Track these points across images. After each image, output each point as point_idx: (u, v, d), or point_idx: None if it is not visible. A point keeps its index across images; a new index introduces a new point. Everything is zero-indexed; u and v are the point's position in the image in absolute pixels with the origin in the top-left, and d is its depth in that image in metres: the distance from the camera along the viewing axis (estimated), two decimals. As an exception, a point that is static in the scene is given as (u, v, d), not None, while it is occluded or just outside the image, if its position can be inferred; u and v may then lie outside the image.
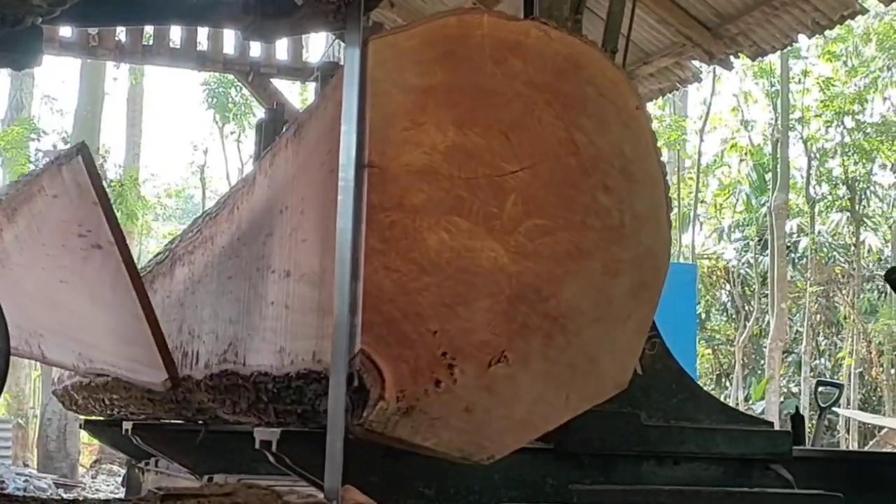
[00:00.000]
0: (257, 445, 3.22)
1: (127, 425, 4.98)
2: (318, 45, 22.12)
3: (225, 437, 4.80)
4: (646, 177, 2.71)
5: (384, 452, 3.11)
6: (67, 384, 6.26)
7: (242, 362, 3.24)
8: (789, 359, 24.62)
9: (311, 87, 9.72)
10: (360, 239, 2.50)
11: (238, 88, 22.82)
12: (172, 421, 5.12)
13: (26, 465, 19.15)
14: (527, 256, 2.58)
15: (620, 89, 2.71)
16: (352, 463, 3.14)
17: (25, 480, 15.34)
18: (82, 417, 6.77)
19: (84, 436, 20.76)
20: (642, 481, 3.30)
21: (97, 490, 17.69)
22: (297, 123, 3.02)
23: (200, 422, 4.66)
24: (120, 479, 15.31)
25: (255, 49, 10.90)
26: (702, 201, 27.26)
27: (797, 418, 3.76)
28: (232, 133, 25.01)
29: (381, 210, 2.50)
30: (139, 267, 4.03)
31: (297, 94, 21.76)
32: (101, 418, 6.14)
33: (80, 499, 3.31)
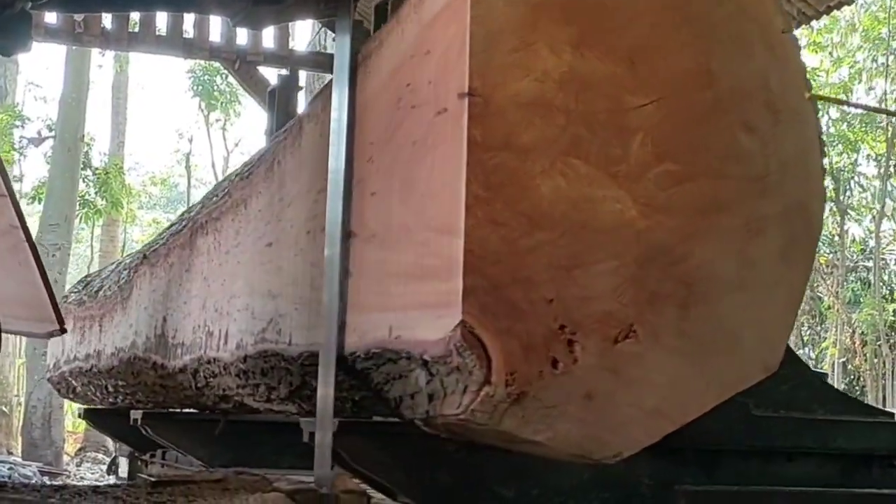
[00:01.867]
0: (305, 438, 2.68)
1: (136, 414, 4.42)
2: (304, 33, 21.52)
3: (245, 427, 4.26)
4: (794, 115, 2.19)
5: (456, 446, 2.59)
6: (64, 370, 5.71)
7: (287, 341, 2.71)
8: (773, 348, 24.14)
9: (298, 74, 9.16)
10: (458, 190, 1.97)
11: (224, 76, 22.16)
12: (184, 410, 4.59)
13: (10, 453, 18.60)
14: (657, 209, 2.06)
15: (765, 6, 2.19)
16: (416, 458, 2.63)
17: (10, 468, 14.83)
18: (66, 406, 6.23)
19: (69, 424, 20.18)
20: (750, 481, 2.79)
21: (82, 478, 17.17)
22: (363, 55, 2.48)
23: (219, 411, 4.11)
24: (105, 468, 14.96)
25: (242, 37, 10.37)
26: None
27: (908, 407, 3.25)
28: (217, 121, 24.34)
29: (484, 149, 1.97)
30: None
31: (284, 82, 21.03)
32: (101, 407, 5.59)
33: (69, 485, 2.98)
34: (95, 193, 19.35)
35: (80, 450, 19.95)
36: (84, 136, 18.82)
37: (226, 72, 18.30)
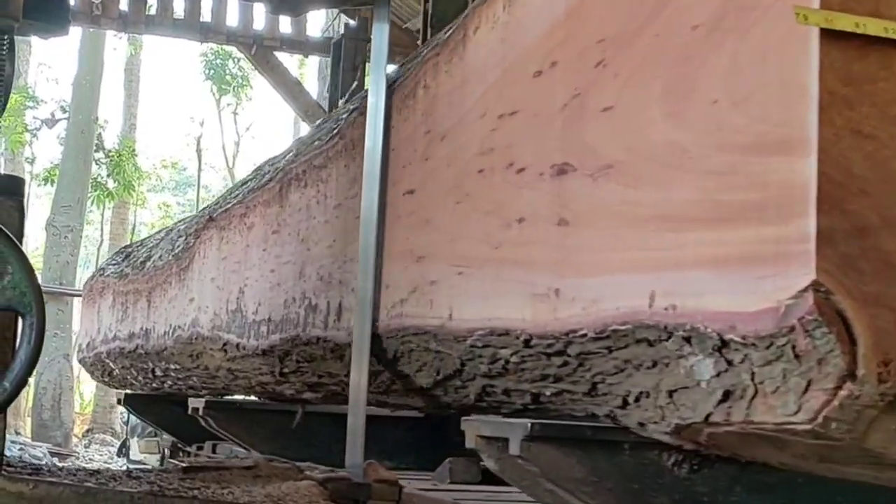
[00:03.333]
0: (469, 444, 1.95)
1: (196, 403, 3.67)
2: (318, 19, 20.77)
3: (320, 420, 3.53)
4: None
5: (676, 460, 1.87)
6: (101, 350, 4.96)
7: (447, 315, 1.97)
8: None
9: (312, 60, 8.70)
10: (802, 85, 1.24)
11: (236, 60, 21.50)
12: (247, 398, 3.86)
13: (18, 434, 17.98)
14: None
15: None
16: (629, 475, 1.90)
17: (20, 448, 14.24)
18: (75, 387, 5.51)
19: (76, 405, 19.49)
20: None
21: (91, 459, 16.63)
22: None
23: (297, 401, 3.37)
24: (115, 449, 14.50)
25: (259, 21, 10.22)
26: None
27: None
28: (229, 105, 23.59)
29: (845, 22, 1.24)
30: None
31: (297, 68, 20.31)
32: (146, 392, 4.83)
33: (103, 469, 2.47)
34: (108, 176, 18.71)
35: (87, 431, 19.53)
36: (97, 119, 18.22)
37: (238, 56, 17.70)
